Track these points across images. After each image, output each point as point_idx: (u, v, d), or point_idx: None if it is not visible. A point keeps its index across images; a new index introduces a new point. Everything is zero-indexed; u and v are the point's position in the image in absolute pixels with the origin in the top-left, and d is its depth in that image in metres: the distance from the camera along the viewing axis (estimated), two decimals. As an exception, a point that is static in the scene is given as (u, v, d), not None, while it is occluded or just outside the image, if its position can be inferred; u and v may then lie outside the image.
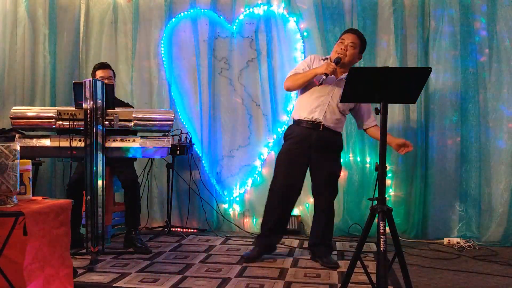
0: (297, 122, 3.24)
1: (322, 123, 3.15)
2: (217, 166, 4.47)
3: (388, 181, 4.14)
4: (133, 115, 3.15)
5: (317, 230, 3.29)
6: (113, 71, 3.83)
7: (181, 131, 4.26)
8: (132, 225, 3.57)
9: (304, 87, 3.21)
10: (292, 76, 3.21)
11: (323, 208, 3.26)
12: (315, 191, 3.31)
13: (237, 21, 4.42)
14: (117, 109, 3.15)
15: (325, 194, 3.25)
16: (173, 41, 4.53)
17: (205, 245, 3.75)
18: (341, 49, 3.15)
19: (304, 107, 3.20)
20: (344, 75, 3.17)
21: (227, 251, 3.57)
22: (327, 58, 3.24)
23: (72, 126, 3.08)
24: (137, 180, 3.69)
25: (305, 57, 4.27)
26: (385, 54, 4.20)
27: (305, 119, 3.18)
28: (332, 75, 3.09)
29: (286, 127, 3.55)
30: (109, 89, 3.14)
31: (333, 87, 3.17)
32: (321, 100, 3.16)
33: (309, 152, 3.19)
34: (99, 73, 3.70)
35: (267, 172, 4.27)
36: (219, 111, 4.46)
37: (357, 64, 4.11)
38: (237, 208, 4.43)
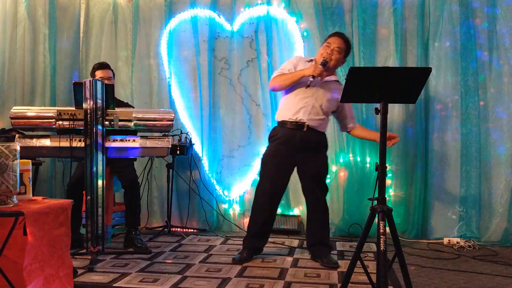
0: (281, 124, 3.27)
1: (306, 123, 3.17)
2: (217, 166, 4.47)
3: (388, 181, 4.14)
4: (133, 115, 3.14)
5: (313, 230, 3.30)
6: (112, 70, 3.82)
7: (181, 131, 4.27)
8: (132, 225, 3.57)
9: (289, 88, 3.24)
10: (278, 76, 3.23)
11: (316, 207, 3.28)
12: (305, 191, 3.33)
13: (237, 21, 4.42)
14: (117, 109, 3.15)
15: (315, 193, 3.27)
16: (173, 41, 4.53)
17: (205, 245, 3.75)
18: (327, 52, 3.18)
19: (289, 108, 3.23)
20: (327, 78, 3.23)
21: (227, 251, 3.57)
22: (312, 60, 3.26)
23: (72, 126, 3.08)
24: (137, 180, 3.69)
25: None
26: (385, 54, 4.20)
27: (289, 120, 3.21)
28: (318, 77, 3.13)
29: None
30: (109, 89, 3.14)
31: (317, 89, 3.20)
32: (305, 102, 3.19)
33: (294, 153, 3.22)
34: (99, 74, 3.69)
35: (267, 172, 4.26)
36: (219, 111, 4.46)
37: (356, 64, 4.14)
38: (237, 208, 4.43)
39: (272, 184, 3.25)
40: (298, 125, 3.18)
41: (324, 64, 3.12)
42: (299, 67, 3.23)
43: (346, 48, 3.23)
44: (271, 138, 3.32)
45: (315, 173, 3.25)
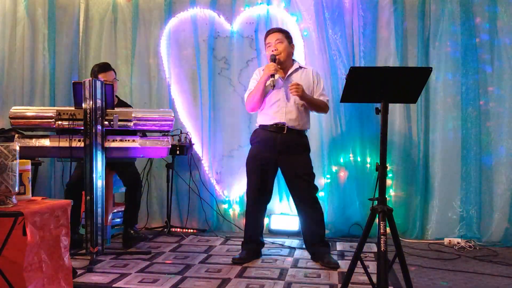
0: (262, 127, 3.30)
1: (286, 125, 3.20)
2: (217, 166, 4.46)
3: (389, 181, 4.13)
4: (133, 115, 3.14)
5: (308, 228, 3.30)
6: (114, 70, 3.81)
7: (181, 131, 4.26)
8: (130, 224, 3.58)
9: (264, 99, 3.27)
10: (248, 96, 3.30)
11: (305, 204, 3.26)
12: (292, 192, 3.34)
13: (237, 20, 4.41)
14: (116, 109, 3.14)
15: (302, 191, 3.26)
16: (173, 40, 4.52)
17: (205, 246, 3.75)
18: (272, 50, 3.23)
19: (267, 114, 3.27)
20: (290, 71, 3.27)
21: (227, 251, 3.57)
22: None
23: (72, 126, 3.07)
24: (139, 178, 3.71)
25: (305, 57, 4.29)
26: (386, 54, 4.19)
27: (269, 123, 3.24)
28: (279, 79, 3.19)
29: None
30: (108, 89, 3.13)
31: (286, 86, 3.23)
32: (278, 105, 3.23)
33: (276, 155, 3.24)
34: (102, 77, 3.58)
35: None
36: (219, 111, 4.46)
37: (357, 64, 4.13)
38: (237, 208, 4.43)
39: (258, 187, 3.28)
40: (278, 128, 3.21)
41: (273, 58, 3.17)
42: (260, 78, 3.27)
43: (285, 35, 3.29)
44: (252, 140, 3.36)
45: (300, 173, 3.25)
